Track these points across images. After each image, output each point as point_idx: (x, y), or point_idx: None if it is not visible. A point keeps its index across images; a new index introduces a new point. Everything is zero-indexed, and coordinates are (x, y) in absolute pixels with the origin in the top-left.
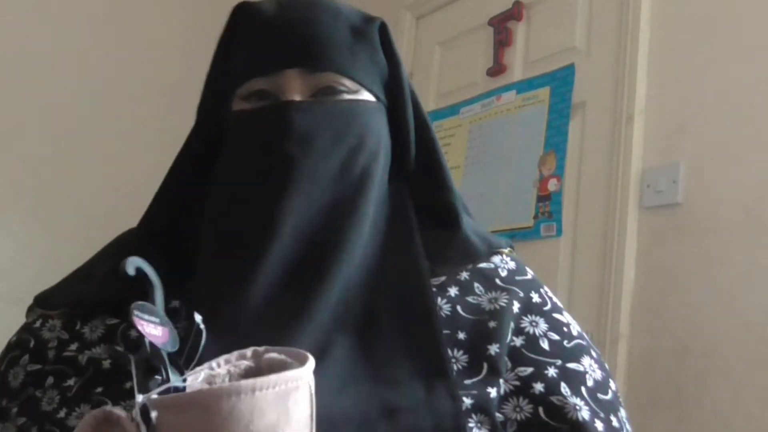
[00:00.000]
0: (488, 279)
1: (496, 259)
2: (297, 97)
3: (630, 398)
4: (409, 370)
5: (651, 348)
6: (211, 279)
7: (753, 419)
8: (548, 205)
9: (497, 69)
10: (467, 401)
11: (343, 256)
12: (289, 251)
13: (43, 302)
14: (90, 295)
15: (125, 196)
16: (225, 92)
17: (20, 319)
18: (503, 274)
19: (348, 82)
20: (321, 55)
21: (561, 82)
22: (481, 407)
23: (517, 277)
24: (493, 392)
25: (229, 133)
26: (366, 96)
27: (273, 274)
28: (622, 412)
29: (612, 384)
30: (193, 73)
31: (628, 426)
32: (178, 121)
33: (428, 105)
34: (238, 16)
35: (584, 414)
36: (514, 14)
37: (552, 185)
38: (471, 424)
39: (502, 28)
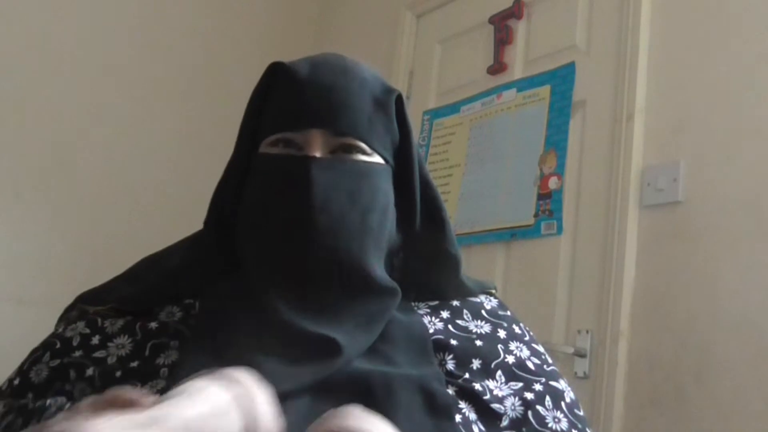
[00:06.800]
0: (475, 310)
1: (483, 296)
2: (318, 154)
3: (630, 396)
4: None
5: (651, 346)
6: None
7: (752, 416)
8: (549, 203)
9: (498, 67)
10: (452, 389)
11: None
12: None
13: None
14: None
15: (128, 197)
16: (255, 139)
17: (20, 318)
18: (488, 307)
19: (364, 146)
20: (344, 120)
21: (561, 80)
22: (466, 394)
23: (500, 312)
24: (478, 386)
25: (256, 174)
26: (377, 159)
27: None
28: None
29: (580, 405)
30: (194, 77)
31: None
32: (179, 121)
33: (428, 103)
34: (272, 74)
35: (563, 425)
36: (514, 12)
37: (552, 183)
38: (461, 406)
39: (502, 26)
